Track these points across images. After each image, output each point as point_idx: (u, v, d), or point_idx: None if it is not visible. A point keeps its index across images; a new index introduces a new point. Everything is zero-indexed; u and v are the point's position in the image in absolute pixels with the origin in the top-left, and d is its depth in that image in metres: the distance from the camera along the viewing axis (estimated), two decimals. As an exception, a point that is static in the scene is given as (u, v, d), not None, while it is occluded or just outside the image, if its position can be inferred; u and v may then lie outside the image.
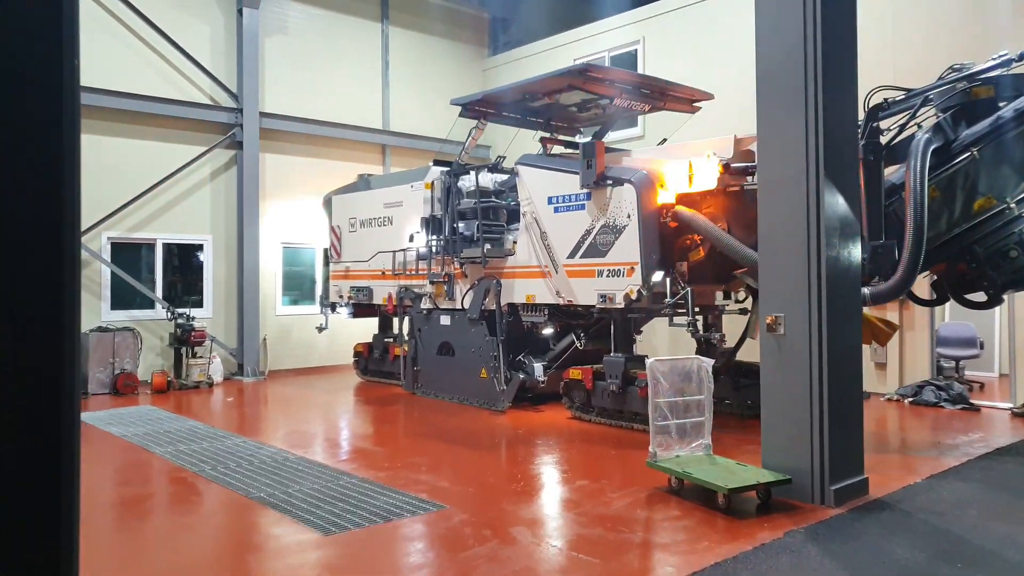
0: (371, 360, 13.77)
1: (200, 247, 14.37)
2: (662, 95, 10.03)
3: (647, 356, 9.67)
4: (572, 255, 9.48)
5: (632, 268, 8.72)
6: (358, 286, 13.38)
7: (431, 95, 17.17)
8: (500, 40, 17.98)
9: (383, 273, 12.75)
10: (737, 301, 9.93)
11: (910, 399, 10.67)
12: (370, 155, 16.60)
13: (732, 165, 8.38)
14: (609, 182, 8.93)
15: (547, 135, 11.42)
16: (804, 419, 6.01)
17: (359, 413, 10.92)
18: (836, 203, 5.99)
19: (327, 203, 14.36)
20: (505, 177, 12.05)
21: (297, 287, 15.86)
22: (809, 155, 5.92)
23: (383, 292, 12.80)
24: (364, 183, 13.53)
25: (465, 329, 11.02)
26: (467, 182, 11.69)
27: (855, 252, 6.16)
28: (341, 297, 13.86)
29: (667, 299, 8.52)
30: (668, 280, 8.54)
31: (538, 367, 10.41)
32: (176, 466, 7.52)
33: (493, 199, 11.36)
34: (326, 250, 14.50)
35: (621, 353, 9.19)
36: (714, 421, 6.71)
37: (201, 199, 14.35)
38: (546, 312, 10.06)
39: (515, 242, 10.67)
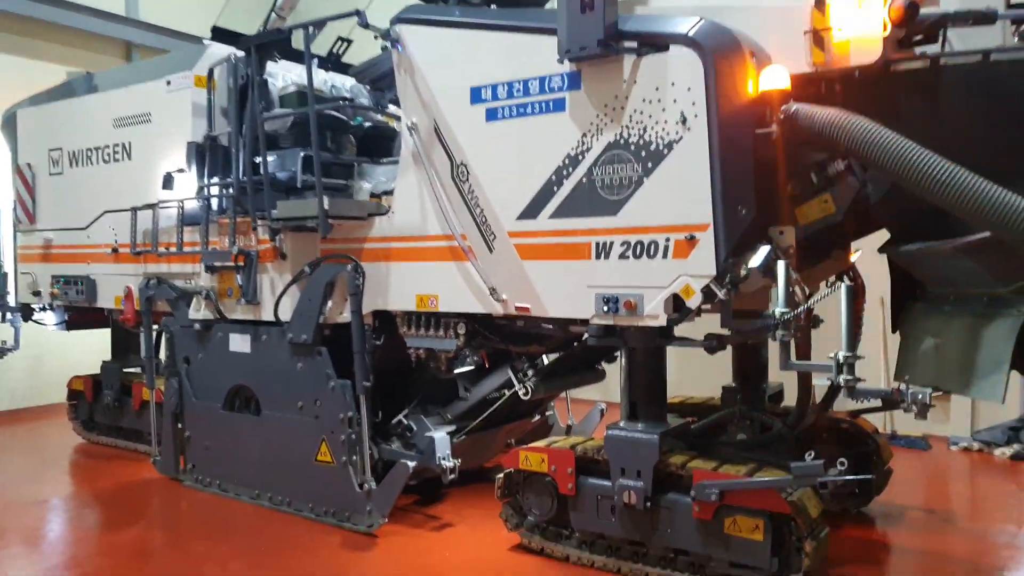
0: (99, 407, 7.71)
1: None
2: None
3: (692, 421, 4.89)
4: (531, 212, 4.42)
5: (691, 238, 3.86)
6: (67, 275, 7.26)
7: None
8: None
9: (114, 251, 6.81)
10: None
11: (1006, 449, 6.88)
12: (105, 57, 10.19)
13: (921, 9, 3.77)
14: (632, 46, 3.98)
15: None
16: None
17: (58, 556, 5.03)
18: None
19: (9, 124, 7.94)
20: (348, 83, 6.73)
21: (-29, 275, 9.22)
22: None
23: (115, 286, 6.85)
24: (81, 84, 7.38)
25: (283, 362, 5.54)
26: (283, 76, 6.16)
27: None
28: (38, 294, 7.64)
29: (778, 308, 3.73)
30: (783, 267, 3.76)
31: (441, 437, 5.24)
32: None
33: (334, 112, 5.97)
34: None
35: (645, 422, 4.31)
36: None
37: None
38: (462, 329, 4.91)
39: (387, 193, 5.39)
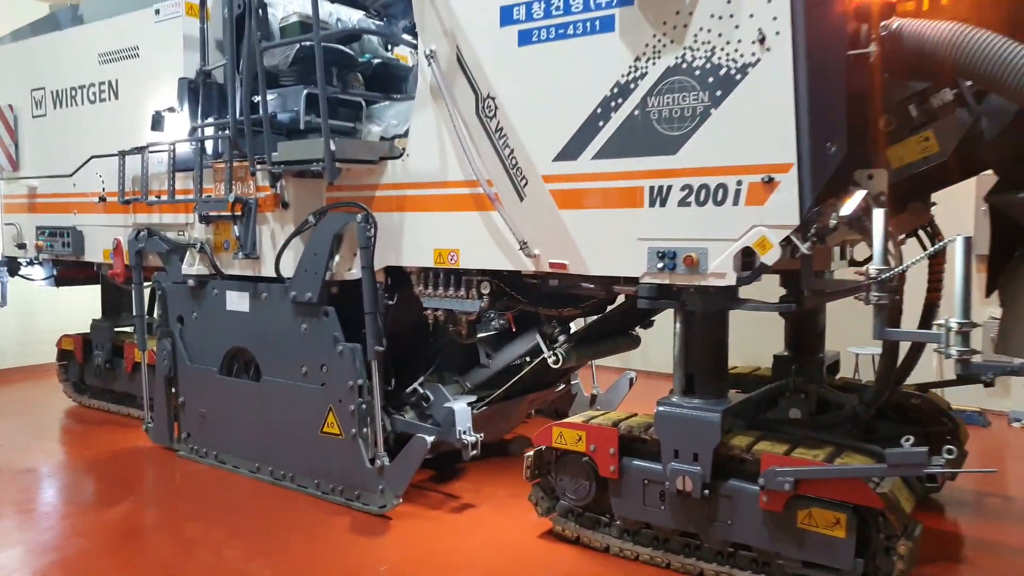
0: (90, 368, 7.20)
1: None
2: None
3: (742, 395, 4.29)
4: (571, 152, 3.79)
5: (769, 180, 3.23)
6: (52, 227, 6.70)
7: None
8: None
9: (102, 200, 6.22)
10: (853, 263, 4.75)
11: (1075, 426, 6.29)
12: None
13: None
14: (700, -53, 3.31)
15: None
16: None
17: (42, 534, 4.52)
18: None
19: (-12, 61, 7.32)
20: (355, 16, 6.07)
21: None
22: None
23: (104, 239, 6.29)
24: (65, 16, 6.71)
25: (286, 323, 4.97)
26: (283, 6, 5.50)
27: None
28: (23, 247, 7.08)
29: (873, 266, 3.12)
30: (881, 216, 3.13)
31: (461, 409, 4.69)
32: None
33: (342, 47, 5.35)
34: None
35: (704, 398, 3.71)
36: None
37: None
38: (486, 288, 4.32)
39: (398, 136, 4.75)
